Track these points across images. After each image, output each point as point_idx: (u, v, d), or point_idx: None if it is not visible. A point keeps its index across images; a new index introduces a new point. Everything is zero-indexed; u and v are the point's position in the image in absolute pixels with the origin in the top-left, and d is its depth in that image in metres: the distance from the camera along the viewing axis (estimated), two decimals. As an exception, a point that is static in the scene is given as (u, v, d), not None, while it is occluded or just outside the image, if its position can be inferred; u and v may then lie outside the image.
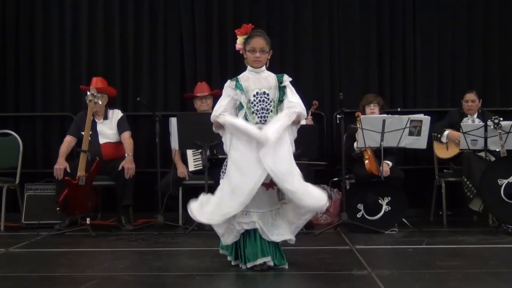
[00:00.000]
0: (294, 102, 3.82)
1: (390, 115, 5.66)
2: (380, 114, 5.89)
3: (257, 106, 3.78)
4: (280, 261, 3.79)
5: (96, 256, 4.56)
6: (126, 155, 5.75)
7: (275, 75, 3.91)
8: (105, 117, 6.00)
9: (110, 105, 6.10)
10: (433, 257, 4.25)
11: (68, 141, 5.91)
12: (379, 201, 5.55)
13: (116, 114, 6.03)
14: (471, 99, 6.10)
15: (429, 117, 5.65)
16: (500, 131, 5.49)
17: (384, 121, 5.55)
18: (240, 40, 3.90)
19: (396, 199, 5.55)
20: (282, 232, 3.79)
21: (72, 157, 5.95)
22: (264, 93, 3.81)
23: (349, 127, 5.85)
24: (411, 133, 5.61)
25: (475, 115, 6.12)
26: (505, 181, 5.32)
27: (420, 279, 3.53)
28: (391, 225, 5.46)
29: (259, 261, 3.71)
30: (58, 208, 5.48)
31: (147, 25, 6.87)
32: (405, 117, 5.60)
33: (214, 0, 6.86)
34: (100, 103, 5.75)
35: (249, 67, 3.92)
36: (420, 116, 5.66)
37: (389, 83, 6.87)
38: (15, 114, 6.87)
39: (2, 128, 6.48)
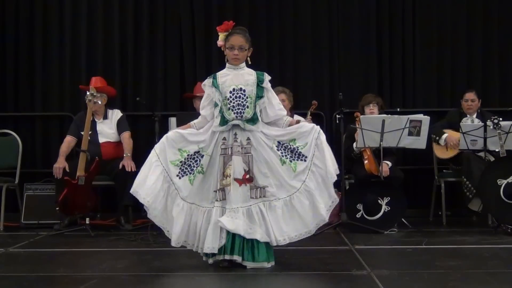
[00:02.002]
0: (281, 105, 4.02)
1: (389, 115, 5.66)
2: (379, 114, 5.90)
3: (233, 102, 3.84)
4: (252, 259, 3.75)
5: (95, 256, 4.56)
6: (124, 155, 5.75)
7: (255, 72, 3.95)
8: (105, 117, 6.00)
9: (110, 105, 6.10)
10: (432, 257, 4.25)
11: (68, 141, 5.91)
12: (379, 201, 5.55)
13: (116, 114, 6.04)
14: (471, 99, 6.10)
15: (428, 117, 5.65)
16: (499, 131, 5.49)
17: (383, 121, 5.55)
18: (221, 37, 3.97)
19: (396, 199, 5.55)
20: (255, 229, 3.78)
21: (72, 157, 5.94)
22: (241, 89, 3.86)
23: (349, 127, 5.86)
24: (410, 133, 5.61)
25: (475, 115, 6.12)
26: (505, 181, 5.32)
27: (419, 279, 3.53)
28: (390, 225, 5.46)
29: (222, 257, 3.73)
30: (57, 208, 5.48)
31: (147, 25, 6.87)
32: (404, 117, 5.60)
33: (214, 0, 6.87)
34: (100, 103, 5.75)
35: (228, 64, 3.96)
36: (420, 116, 5.66)
37: (389, 83, 6.87)
38: (15, 114, 6.87)
39: (2, 128, 6.48)
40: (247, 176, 3.81)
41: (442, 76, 6.88)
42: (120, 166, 5.63)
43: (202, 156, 3.85)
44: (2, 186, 5.96)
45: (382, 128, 5.54)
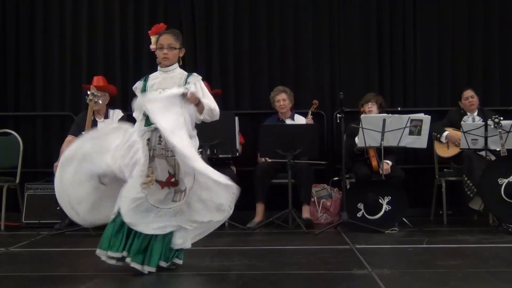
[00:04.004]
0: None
1: (390, 115, 5.67)
2: (379, 112, 5.90)
3: None
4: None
5: (96, 255, 4.55)
6: (125, 154, 5.75)
7: (186, 74, 3.81)
8: (106, 116, 6.01)
9: (111, 105, 6.11)
10: (433, 257, 4.25)
11: (69, 141, 5.89)
12: (380, 200, 5.54)
13: (117, 114, 6.04)
14: (470, 95, 6.14)
15: (429, 117, 5.65)
16: (500, 130, 5.49)
17: (384, 120, 5.56)
18: (153, 40, 3.86)
19: (397, 199, 5.55)
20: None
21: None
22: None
23: (350, 126, 5.86)
24: (411, 133, 5.62)
25: (475, 113, 6.13)
26: (506, 181, 5.32)
27: (420, 278, 3.52)
28: (391, 224, 5.45)
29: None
30: (58, 208, 5.46)
31: (147, 25, 6.85)
32: (405, 117, 5.60)
33: (215, 0, 6.87)
34: (101, 102, 5.75)
35: (158, 66, 3.84)
36: (421, 116, 5.66)
37: (389, 83, 6.87)
38: (15, 113, 6.88)
39: (2, 127, 6.49)
40: (172, 180, 3.66)
41: (443, 75, 6.88)
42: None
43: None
44: (3, 185, 5.97)
45: (383, 128, 5.54)
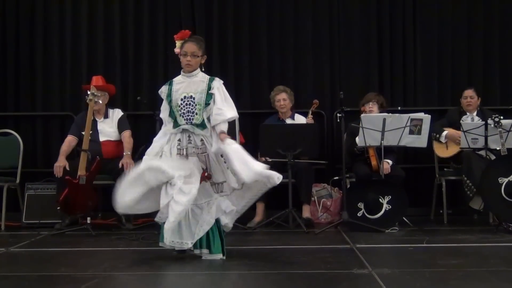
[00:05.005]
0: (222, 110, 4.06)
1: (390, 114, 5.66)
2: (380, 112, 5.90)
3: (184, 109, 4.07)
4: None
5: (96, 255, 4.56)
6: (124, 154, 5.76)
7: (208, 78, 4.15)
8: (106, 116, 6.02)
9: (111, 104, 6.11)
10: (433, 256, 4.25)
11: (69, 140, 5.92)
12: (380, 199, 5.54)
13: (116, 113, 6.05)
14: (469, 95, 6.12)
15: (429, 116, 5.65)
16: (500, 129, 5.49)
17: (384, 120, 5.55)
18: (178, 44, 4.19)
19: (397, 198, 5.55)
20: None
21: (73, 156, 5.95)
22: (191, 97, 4.08)
23: (350, 125, 5.86)
24: (411, 132, 5.61)
25: (475, 113, 6.13)
26: (506, 180, 5.32)
27: (420, 277, 3.53)
28: (391, 223, 5.45)
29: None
30: (58, 208, 5.49)
31: (147, 25, 6.87)
32: (405, 116, 5.60)
33: (214, 0, 6.87)
34: (101, 102, 5.77)
35: (182, 71, 4.17)
36: (421, 115, 5.66)
37: (390, 82, 6.87)
38: (16, 113, 6.88)
39: (3, 127, 6.49)
40: (206, 174, 4.06)
41: (443, 74, 6.88)
42: (120, 165, 5.64)
43: (161, 156, 4.08)
44: (3, 185, 5.97)
45: (383, 127, 5.54)
